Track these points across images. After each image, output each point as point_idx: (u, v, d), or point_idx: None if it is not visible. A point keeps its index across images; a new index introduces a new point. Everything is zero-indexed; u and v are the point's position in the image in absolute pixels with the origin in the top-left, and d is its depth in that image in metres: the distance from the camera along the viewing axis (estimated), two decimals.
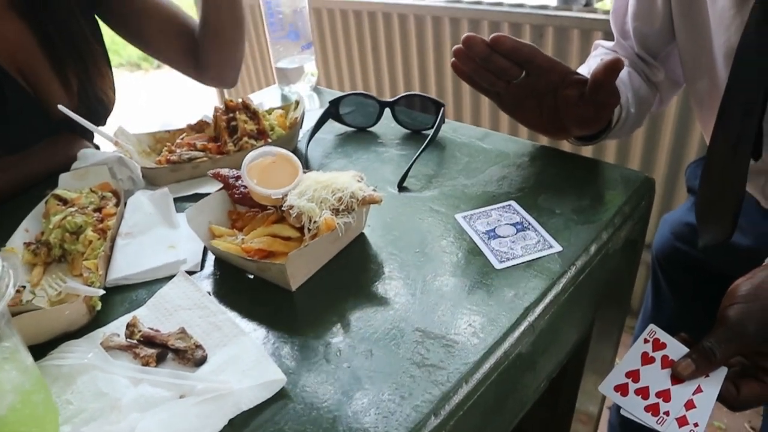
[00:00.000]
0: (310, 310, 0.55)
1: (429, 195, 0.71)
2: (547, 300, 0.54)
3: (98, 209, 0.69)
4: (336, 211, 0.57)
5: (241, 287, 0.60)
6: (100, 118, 0.96)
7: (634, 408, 0.57)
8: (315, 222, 0.56)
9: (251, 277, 0.61)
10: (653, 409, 0.57)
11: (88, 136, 0.94)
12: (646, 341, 0.60)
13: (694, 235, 0.93)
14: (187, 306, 0.56)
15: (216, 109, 0.83)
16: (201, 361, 0.50)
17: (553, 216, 0.65)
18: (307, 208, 0.57)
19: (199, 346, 0.51)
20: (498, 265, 0.58)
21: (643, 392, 0.58)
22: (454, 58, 0.70)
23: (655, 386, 0.58)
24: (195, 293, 0.57)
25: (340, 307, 0.55)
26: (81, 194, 0.70)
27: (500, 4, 2.01)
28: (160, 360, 0.50)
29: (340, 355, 0.50)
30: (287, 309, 0.56)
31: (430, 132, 0.82)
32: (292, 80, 1.07)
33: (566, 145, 2.07)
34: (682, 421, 0.56)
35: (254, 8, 2.93)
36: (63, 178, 0.74)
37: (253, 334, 0.53)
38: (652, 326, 0.61)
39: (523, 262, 0.58)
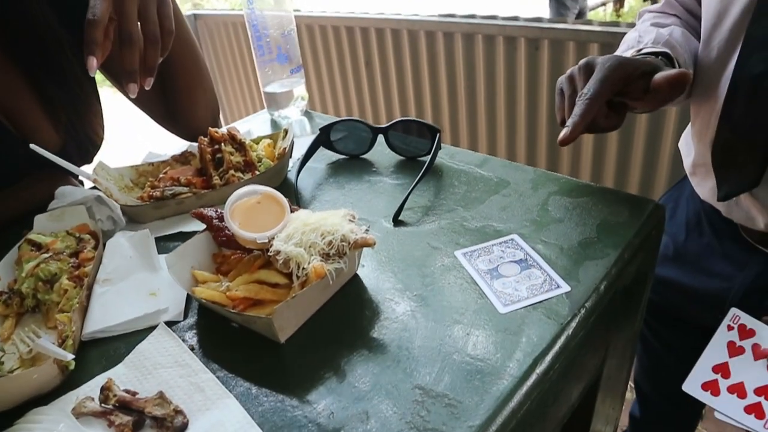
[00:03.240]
0: (300, 364, 0.51)
1: (427, 229, 0.67)
2: (556, 347, 0.50)
3: (75, 253, 0.65)
4: (326, 256, 0.53)
5: (226, 339, 0.56)
6: (88, 155, 0.93)
7: (730, 410, 0.49)
8: (304, 269, 0.52)
9: (236, 326, 0.56)
10: (756, 411, 0.49)
11: (72, 172, 0.90)
12: (730, 328, 0.53)
13: (662, 287, 0.92)
14: (168, 364, 0.52)
15: (200, 141, 0.80)
16: (182, 429, 0.46)
17: (558, 250, 0.61)
18: (295, 253, 0.53)
19: (179, 412, 0.46)
20: (502, 309, 0.54)
21: (739, 390, 0.50)
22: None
23: (753, 382, 0.50)
24: (176, 349, 0.53)
25: (333, 361, 0.51)
26: (57, 238, 0.66)
27: (494, 17, 1.99)
28: (137, 428, 0.46)
29: (333, 417, 0.45)
30: (275, 364, 0.52)
31: (426, 158, 0.78)
32: (281, 105, 1.04)
33: (567, 169, 2.03)
34: None
35: (240, 28, 2.91)
36: (38, 219, 0.70)
37: (239, 392, 0.49)
38: (734, 310, 0.54)
39: (529, 305, 0.54)
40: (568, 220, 0.65)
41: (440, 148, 0.80)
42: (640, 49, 0.73)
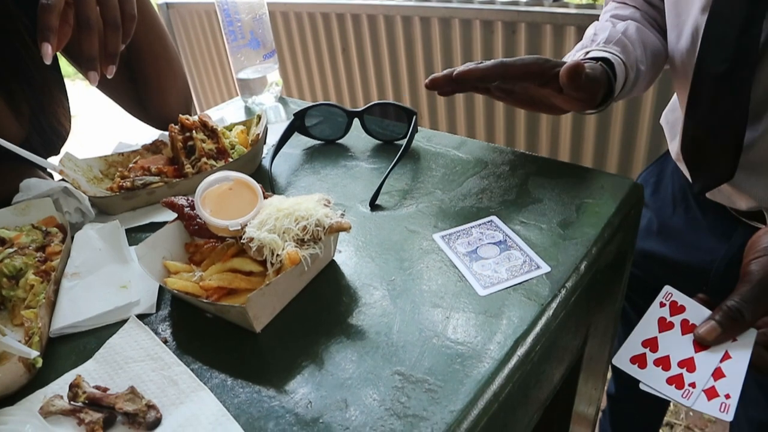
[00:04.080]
0: (277, 353, 0.50)
1: (404, 213, 0.66)
2: (537, 329, 0.49)
3: (42, 247, 0.63)
4: (301, 242, 0.52)
5: (200, 330, 0.54)
6: (54, 148, 0.90)
7: (654, 381, 0.51)
8: (278, 255, 0.51)
9: (211, 316, 0.55)
10: (677, 381, 0.51)
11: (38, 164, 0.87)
12: (662, 305, 0.55)
13: (646, 261, 0.93)
14: (140, 357, 0.50)
15: (171, 129, 0.77)
16: (155, 425, 0.44)
17: (538, 231, 0.60)
18: (269, 240, 0.51)
19: (152, 407, 0.45)
20: (482, 292, 0.53)
21: (664, 362, 0.52)
22: (426, 83, 0.68)
23: (677, 355, 0.52)
24: (148, 342, 0.51)
25: (311, 349, 0.49)
26: (22, 232, 0.64)
27: (471, 1, 1.97)
28: (107, 426, 0.45)
29: (311, 406, 0.44)
30: (252, 354, 0.50)
31: (403, 142, 0.76)
32: (255, 91, 1.01)
33: (546, 150, 2.03)
34: (711, 393, 0.50)
35: (213, 16, 2.86)
36: (1, 213, 0.67)
37: (214, 384, 0.47)
38: (667, 288, 0.56)
39: (509, 287, 0.53)
40: (547, 200, 0.65)
41: (417, 131, 0.79)
42: (589, 51, 0.74)
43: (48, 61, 0.61)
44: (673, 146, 0.87)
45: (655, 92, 1.65)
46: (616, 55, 0.72)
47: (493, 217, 0.62)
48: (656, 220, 0.93)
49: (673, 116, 0.90)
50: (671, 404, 1.60)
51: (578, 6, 1.83)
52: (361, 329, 0.51)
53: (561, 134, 1.94)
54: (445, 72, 0.66)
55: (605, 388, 1.19)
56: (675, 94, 0.90)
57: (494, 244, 0.58)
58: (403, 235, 0.62)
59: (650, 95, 1.67)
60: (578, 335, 0.62)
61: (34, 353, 0.48)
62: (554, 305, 0.51)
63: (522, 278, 0.54)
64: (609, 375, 1.21)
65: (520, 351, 0.47)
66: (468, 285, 0.54)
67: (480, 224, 0.62)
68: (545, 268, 0.55)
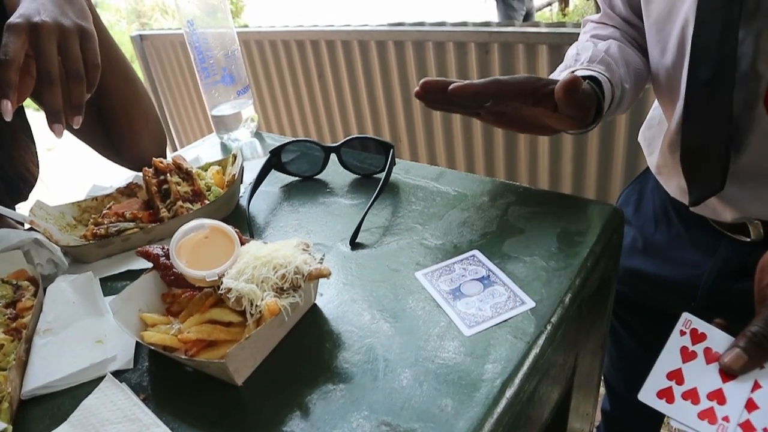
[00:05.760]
0: (260, 407, 0.48)
1: (385, 250, 0.65)
2: (525, 368, 0.49)
3: (12, 303, 0.61)
4: (280, 290, 0.51)
5: (180, 384, 0.52)
6: (21, 194, 0.87)
7: (685, 417, 0.49)
8: (257, 306, 0.49)
9: (191, 369, 0.53)
10: (709, 416, 0.48)
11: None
12: (682, 333, 0.52)
13: (632, 279, 0.93)
14: (117, 419, 0.48)
15: (145, 172, 0.76)
16: None
17: (521, 264, 0.59)
18: (247, 290, 0.50)
19: None
20: (467, 332, 0.52)
21: (692, 396, 0.50)
22: (417, 89, 0.67)
23: (705, 387, 0.50)
24: (125, 402, 0.49)
25: (294, 401, 0.48)
26: None
27: (443, 24, 1.99)
28: None
29: None
30: (234, 408, 0.49)
31: (381, 175, 0.76)
32: (230, 128, 1.00)
33: (525, 172, 2.04)
34: (747, 428, 0.47)
35: (186, 45, 2.85)
36: None
37: None
38: (686, 315, 0.53)
39: (494, 325, 0.52)
40: (529, 231, 0.64)
41: (395, 164, 0.78)
42: (574, 71, 0.74)
43: (8, 118, 0.59)
44: (652, 161, 0.88)
45: (629, 111, 1.67)
46: (602, 74, 0.72)
47: (476, 251, 0.62)
48: (640, 238, 0.93)
49: (650, 133, 0.90)
50: (665, 419, 1.60)
51: (549, 25, 1.86)
52: (345, 377, 0.49)
53: (539, 158, 1.96)
54: (439, 80, 0.64)
55: (599, 404, 1.18)
56: (651, 111, 0.90)
57: (477, 280, 0.58)
58: (385, 274, 0.61)
59: (624, 114, 1.69)
60: (567, 364, 0.61)
61: (2, 425, 0.45)
62: (541, 342, 0.51)
63: (507, 315, 0.53)
64: (602, 391, 1.21)
65: (509, 393, 0.46)
66: (453, 325, 0.53)
67: (462, 259, 0.61)
68: (530, 304, 0.54)
